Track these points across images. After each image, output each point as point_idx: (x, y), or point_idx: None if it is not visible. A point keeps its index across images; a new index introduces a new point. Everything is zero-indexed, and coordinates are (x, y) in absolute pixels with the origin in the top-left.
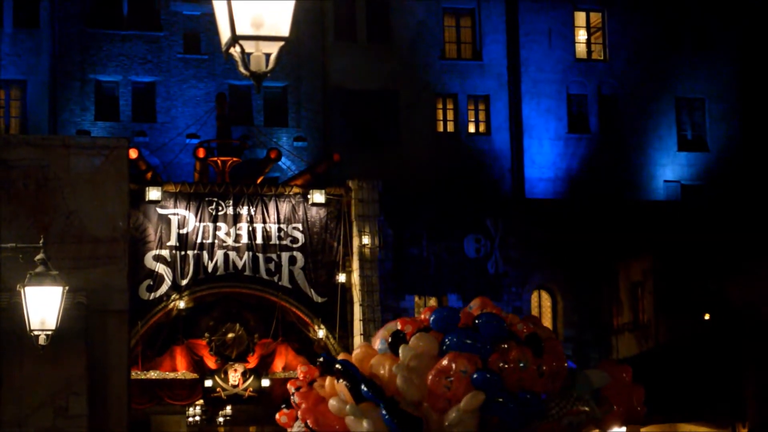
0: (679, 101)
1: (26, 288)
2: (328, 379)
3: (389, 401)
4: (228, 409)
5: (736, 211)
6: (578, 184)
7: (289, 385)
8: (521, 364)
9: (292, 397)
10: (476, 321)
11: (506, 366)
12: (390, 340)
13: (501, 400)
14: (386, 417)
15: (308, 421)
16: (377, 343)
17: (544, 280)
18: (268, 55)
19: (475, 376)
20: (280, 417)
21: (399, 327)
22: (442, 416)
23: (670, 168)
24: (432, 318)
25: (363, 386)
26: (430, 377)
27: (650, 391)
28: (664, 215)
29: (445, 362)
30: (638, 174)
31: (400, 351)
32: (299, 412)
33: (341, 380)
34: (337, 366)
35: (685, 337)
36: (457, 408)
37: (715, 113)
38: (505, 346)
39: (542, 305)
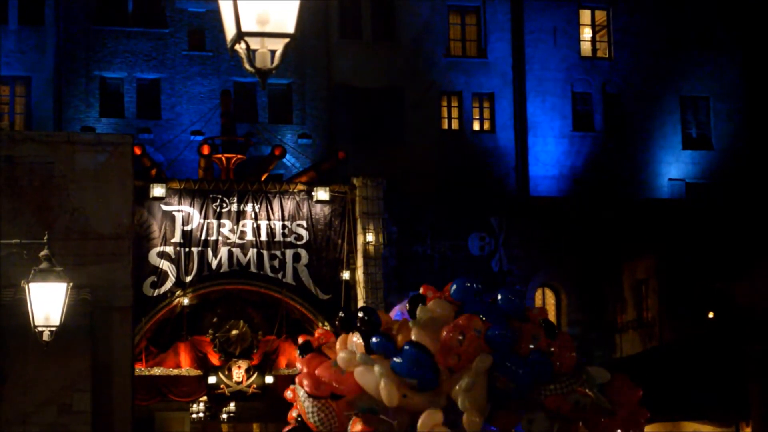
0: (684, 99)
1: (30, 284)
2: (340, 338)
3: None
4: (232, 406)
5: (740, 210)
6: (582, 182)
7: (299, 339)
8: (531, 346)
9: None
10: (497, 297)
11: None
12: (409, 304)
13: (509, 364)
14: (407, 350)
15: (305, 384)
16: (393, 314)
17: (548, 278)
18: (273, 52)
19: (488, 332)
20: (287, 392)
21: (421, 292)
22: (451, 377)
23: (674, 166)
24: (454, 287)
25: (375, 338)
26: (444, 332)
27: (654, 389)
28: (668, 213)
29: (460, 321)
30: (643, 172)
31: (418, 310)
32: (297, 379)
33: (357, 332)
34: (360, 313)
35: (690, 336)
36: (467, 373)
37: (719, 112)
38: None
39: (546, 303)
